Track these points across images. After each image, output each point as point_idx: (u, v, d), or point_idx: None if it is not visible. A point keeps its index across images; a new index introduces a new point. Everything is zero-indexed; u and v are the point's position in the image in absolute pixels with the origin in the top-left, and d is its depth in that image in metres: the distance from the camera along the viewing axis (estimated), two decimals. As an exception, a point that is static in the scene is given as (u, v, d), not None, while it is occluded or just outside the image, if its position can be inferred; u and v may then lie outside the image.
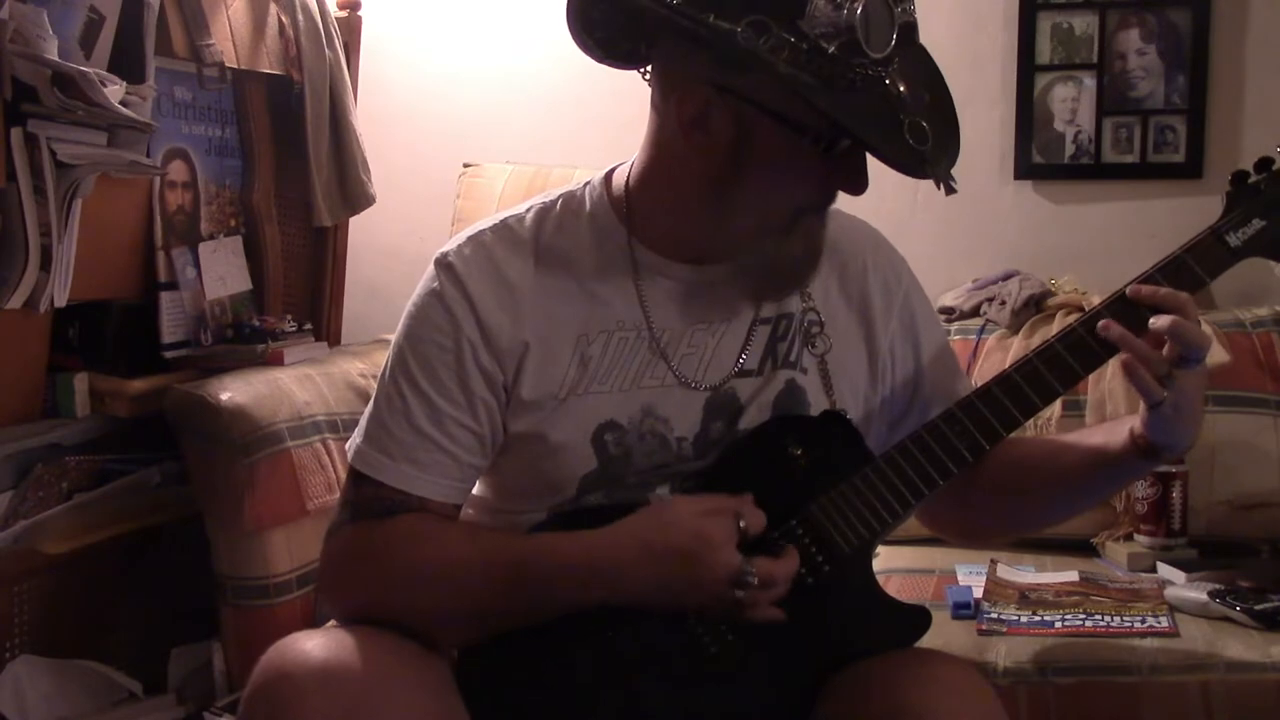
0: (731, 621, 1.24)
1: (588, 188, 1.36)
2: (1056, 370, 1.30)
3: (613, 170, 1.36)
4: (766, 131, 1.20)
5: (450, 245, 1.34)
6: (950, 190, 1.20)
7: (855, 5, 1.14)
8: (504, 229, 1.34)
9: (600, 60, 1.28)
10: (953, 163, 1.22)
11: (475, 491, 1.37)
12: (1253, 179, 1.35)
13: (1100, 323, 1.27)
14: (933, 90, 1.24)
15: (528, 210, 1.35)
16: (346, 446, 1.33)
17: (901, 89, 1.19)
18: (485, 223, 1.35)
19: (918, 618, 1.34)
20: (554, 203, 1.36)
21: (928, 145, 1.18)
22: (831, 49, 1.14)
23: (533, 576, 1.21)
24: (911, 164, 1.17)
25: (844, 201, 1.47)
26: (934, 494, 1.31)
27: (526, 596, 1.21)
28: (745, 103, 1.20)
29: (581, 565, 1.20)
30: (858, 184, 1.24)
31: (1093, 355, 1.29)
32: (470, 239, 1.33)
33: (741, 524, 1.20)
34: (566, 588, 1.21)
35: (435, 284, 1.31)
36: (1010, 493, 1.39)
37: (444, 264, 1.31)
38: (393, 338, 1.33)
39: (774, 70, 1.14)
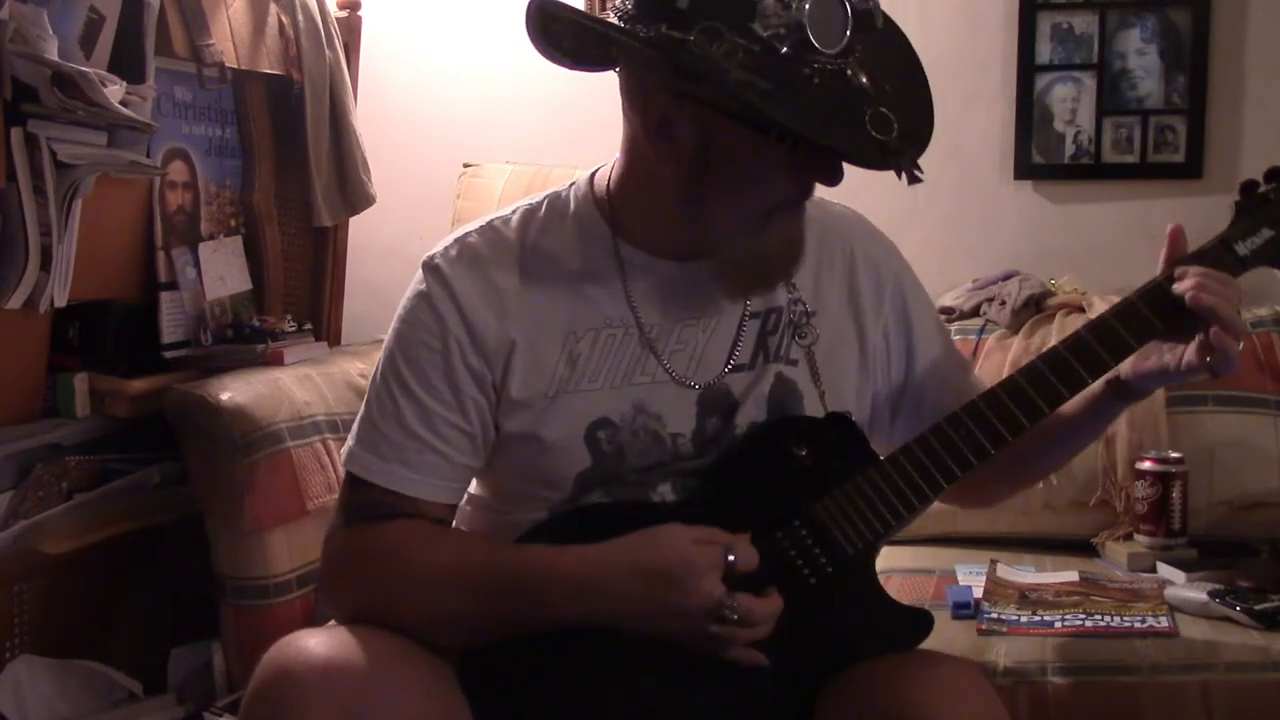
0: (711, 657, 1.21)
1: (573, 188, 1.37)
2: (1060, 375, 1.30)
3: (597, 170, 1.37)
4: (730, 134, 1.20)
5: (437, 248, 1.35)
6: (914, 179, 1.18)
7: (803, 2, 1.13)
8: (489, 231, 1.35)
9: (572, 68, 1.27)
10: (923, 148, 1.20)
11: (474, 491, 1.37)
12: (1262, 188, 1.34)
13: (1185, 287, 1.27)
14: (902, 74, 1.23)
15: (513, 212, 1.36)
16: (341, 450, 1.33)
17: (864, 79, 1.18)
18: (471, 225, 1.36)
19: (920, 621, 1.34)
20: (539, 204, 1.37)
21: (892, 135, 1.16)
22: (784, 49, 1.13)
23: (524, 586, 1.21)
24: (874, 157, 1.16)
25: (846, 199, 1.47)
26: (938, 497, 1.31)
27: (517, 607, 1.21)
28: (706, 108, 1.19)
29: (572, 577, 1.20)
30: (832, 175, 1.23)
31: (1098, 361, 1.30)
32: (456, 241, 1.34)
33: (730, 558, 1.19)
34: (556, 600, 1.20)
35: (422, 286, 1.32)
36: (998, 465, 1.37)
37: (430, 266, 1.33)
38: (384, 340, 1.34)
39: (727, 78, 1.13)
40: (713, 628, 1.18)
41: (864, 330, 1.39)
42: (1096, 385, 1.34)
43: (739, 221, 1.25)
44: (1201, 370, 1.27)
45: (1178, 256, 1.32)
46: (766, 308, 1.36)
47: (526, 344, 1.29)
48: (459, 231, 1.36)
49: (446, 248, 1.34)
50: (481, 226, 1.35)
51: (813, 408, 1.34)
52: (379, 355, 1.34)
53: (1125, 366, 1.33)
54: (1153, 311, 1.30)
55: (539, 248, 1.33)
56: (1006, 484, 1.52)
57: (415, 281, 1.33)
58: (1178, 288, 1.28)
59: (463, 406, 1.29)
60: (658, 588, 1.18)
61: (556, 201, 1.36)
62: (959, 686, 1.22)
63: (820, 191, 1.43)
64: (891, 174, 1.17)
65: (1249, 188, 1.35)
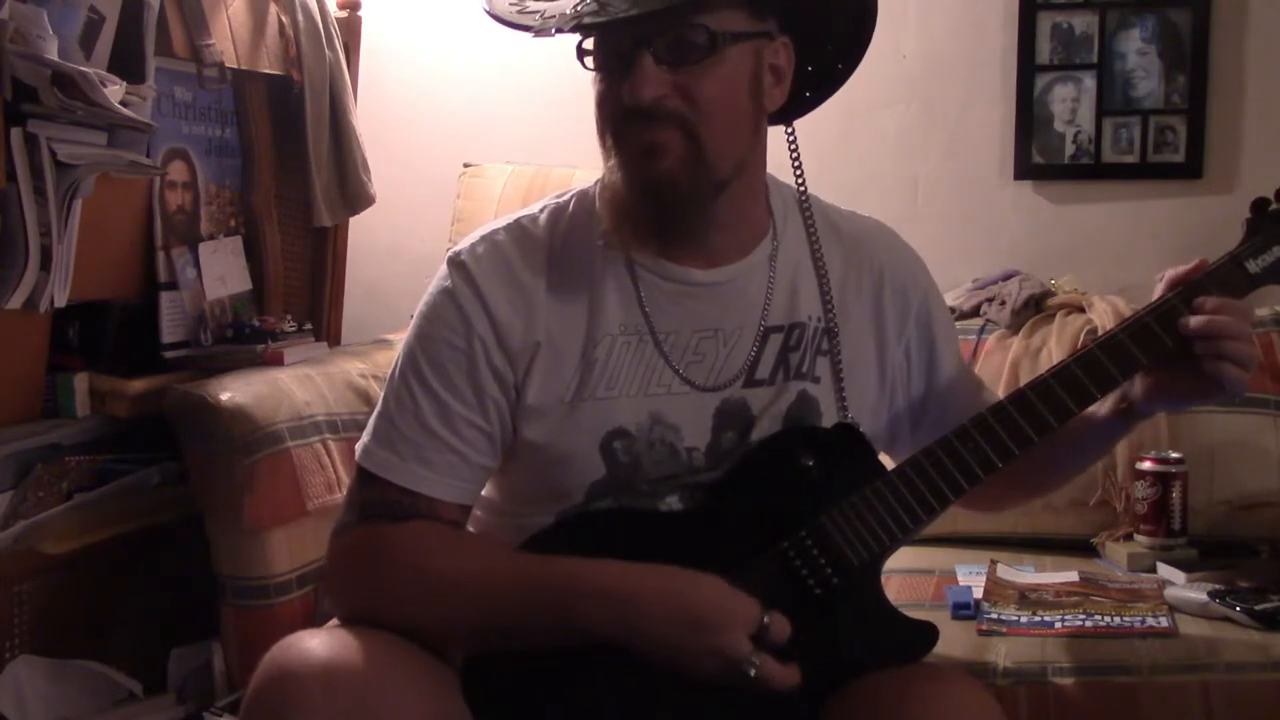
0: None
1: (599, 186, 1.34)
2: (1069, 390, 1.29)
3: None
4: None
5: (463, 245, 1.33)
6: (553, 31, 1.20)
7: None
8: (518, 229, 1.33)
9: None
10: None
11: (483, 493, 1.36)
12: (1274, 206, 1.34)
13: (1189, 315, 1.27)
14: None
15: (541, 210, 1.35)
16: (356, 446, 1.32)
17: None
18: (499, 222, 1.35)
19: (925, 634, 1.32)
20: (567, 202, 1.35)
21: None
22: None
23: (552, 598, 1.19)
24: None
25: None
26: (946, 510, 1.30)
27: (540, 617, 1.20)
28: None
29: (604, 594, 1.18)
30: (609, 77, 1.24)
31: (1108, 376, 1.29)
32: (484, 238, 1.33)
33: (766, 620, 1.18)
34: (583, 614, 1.18)
35: (448, 283, 1.30)
36: (1008, 476, 1.37)
37: (457, 263, 1.31)
38: (401, 337, 1.33)
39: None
40: (729, 677, 1.17)
41: (885, 349, 1.39)
42: (1105, 406, 1.34)
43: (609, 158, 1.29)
44: (1210, 398, 1.28)
45: (1188, 279, 1.31)
46: (789, 322, 1.34)
47: (549, 347, 1.28)
48: (485, 229, 1.34)
49: (473, 245, 1.32)
50: (509, 225, 1.34)
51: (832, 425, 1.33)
52: (398, 351, 1.32)
53: (1137, 390, 1.32)
54: (1164, 330, 1.29)
55: (566, 248, 1.32)
56: (1017, 493, 1.53)
57: (439, 278, 1.32)
58: (1193, 322, 1.27)
59: (483, 406, 1.28)
60: (687, 626, 1.17)
61: (584, 200, 1.35)
62: (965, 705, 1.21)
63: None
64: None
65: (1260, 205, 1.34)
